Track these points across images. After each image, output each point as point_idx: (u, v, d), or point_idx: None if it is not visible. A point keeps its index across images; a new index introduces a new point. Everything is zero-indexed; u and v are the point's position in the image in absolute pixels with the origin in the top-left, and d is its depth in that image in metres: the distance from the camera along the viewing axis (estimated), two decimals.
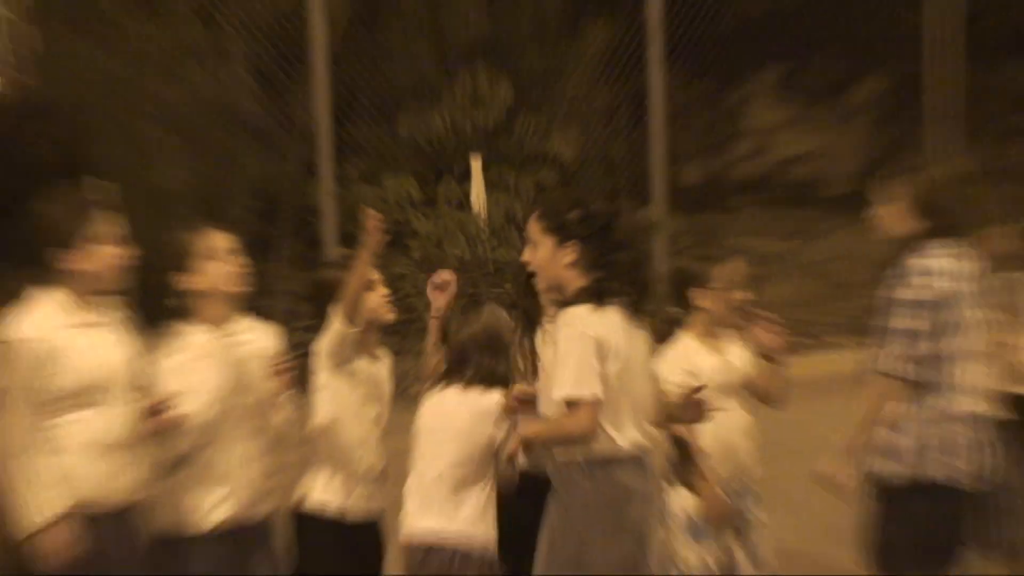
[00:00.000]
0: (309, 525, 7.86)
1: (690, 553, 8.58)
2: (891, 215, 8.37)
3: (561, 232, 7.50)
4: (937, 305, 8.00)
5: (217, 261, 7.62)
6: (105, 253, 7.35)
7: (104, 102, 17.50)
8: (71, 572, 7.08)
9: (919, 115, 22.30)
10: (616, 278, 7.56)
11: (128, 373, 7.39)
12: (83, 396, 7.22)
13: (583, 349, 7.34)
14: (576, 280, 7.50)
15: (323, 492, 7.88)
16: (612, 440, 7.44)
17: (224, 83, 16.36)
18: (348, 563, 7.87)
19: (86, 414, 7.23)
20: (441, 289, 8.37)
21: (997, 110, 25.06)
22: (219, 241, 7.67)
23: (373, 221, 7.51)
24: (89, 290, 7.38)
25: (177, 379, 7.47)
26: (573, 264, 7.50)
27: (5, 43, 12.15)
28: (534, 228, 7.60)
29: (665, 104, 19.40)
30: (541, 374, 7.77)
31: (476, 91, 18.05)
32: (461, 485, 7.76)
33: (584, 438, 7.39)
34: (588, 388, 7.34)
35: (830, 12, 21.80)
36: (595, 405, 7.35)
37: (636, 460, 7.52)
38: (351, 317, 7.55)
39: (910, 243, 8.24)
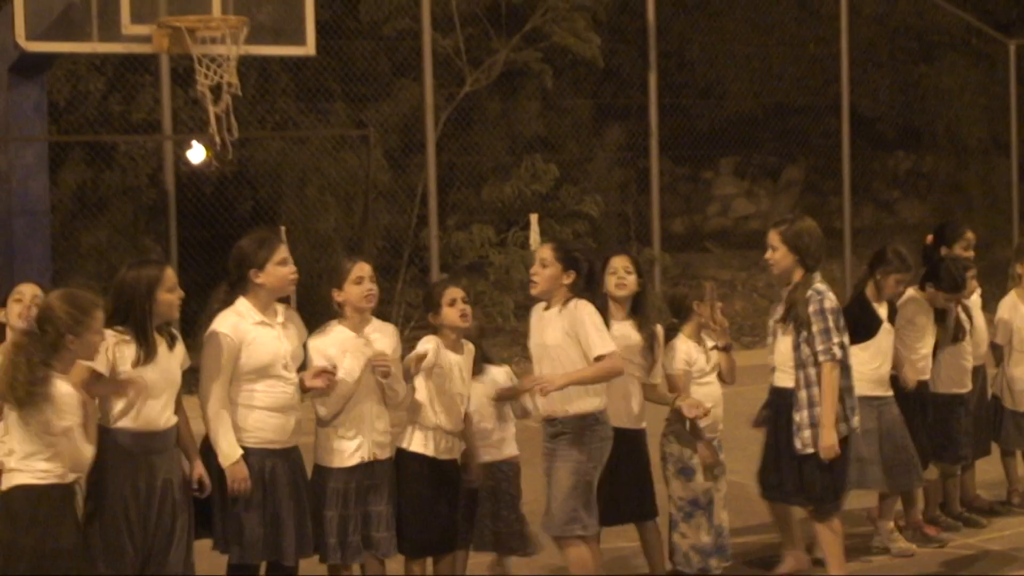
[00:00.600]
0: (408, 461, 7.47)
1: (680, 487, 8.21)
2: (778, 256, 8.02)
3: (567, 262, 7.38)
4: (837, 311, 7.81)
5: (359, 285, 7.23)
6: (280, 273, 7.02)
7: (284, 173, 17.31)
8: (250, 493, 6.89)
9: (829, 188, 22.03)
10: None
11: (292, 358, 7.09)
12: (261, 372, 6.95)
13: (597, 319, 7.35)
14: (566, 293, 7.41)
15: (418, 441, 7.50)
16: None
17: (366, 162, 16.12)
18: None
19: (263, 384, 6.97)
20: None
21: (883, 186, 24.77)
22: (363, 270, 7.27)
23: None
24: (268, 299, 7.06)
25: (331, 361, 7.15)
26: (571, 285, 7.41)
27: (215, 131, 11.74)
28: (547, 253, 7.46)
29: (660, 179, 19.02)
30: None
31: (534, 170, 17.87)
32: None
33: (617, 375, 7.47)
34: (610, 345, 7.36)
35: (769, 120, 21.56)
36: (616, 354, 7.37)
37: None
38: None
39: (793, 274, 7.96)
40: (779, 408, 8.04)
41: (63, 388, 6.30)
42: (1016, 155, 22.18)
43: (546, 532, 7.61)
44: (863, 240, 19.94)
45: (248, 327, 6.96)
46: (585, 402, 7.43)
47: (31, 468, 6.29)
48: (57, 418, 6.27)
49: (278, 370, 6.98)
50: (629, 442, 7.86)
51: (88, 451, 6.42)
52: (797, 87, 21.91)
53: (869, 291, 8.89)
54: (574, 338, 7.34)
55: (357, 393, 7.17)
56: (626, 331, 7.94)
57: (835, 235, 20.66)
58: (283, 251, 7.09)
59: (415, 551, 7.47)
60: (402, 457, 7.45)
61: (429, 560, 7.58)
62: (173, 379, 6.79)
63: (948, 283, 9.17)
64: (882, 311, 8.89)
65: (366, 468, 7.23)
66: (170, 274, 6.79)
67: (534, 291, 7.54)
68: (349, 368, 7.12)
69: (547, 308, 7.51)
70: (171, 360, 6.78)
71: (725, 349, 8.32)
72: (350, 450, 7.19)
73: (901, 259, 8.99)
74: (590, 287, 7.52)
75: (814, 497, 7.98)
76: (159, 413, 6.67)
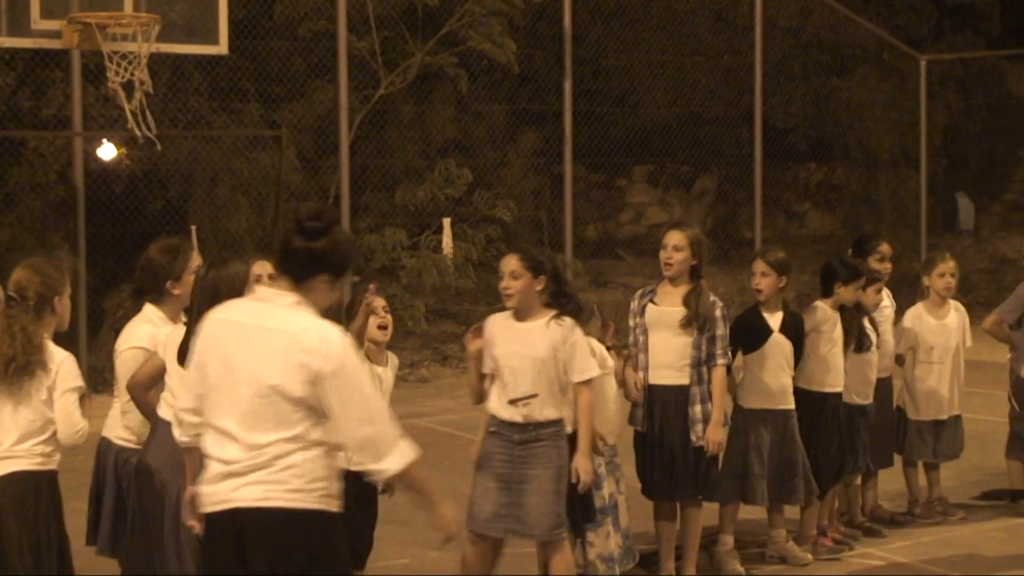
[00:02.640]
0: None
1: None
2: (681, 258, 8.23)
3: (534, 268, 7.28)
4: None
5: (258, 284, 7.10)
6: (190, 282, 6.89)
7: (196, 173, 17.20)
8: None
9: (740, 198, 22.16)
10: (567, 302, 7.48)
11: None
12: None
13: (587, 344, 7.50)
14: (545, 300, 7.36)
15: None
16: None
17: (278, 163, 16.05)
18: None
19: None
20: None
21: (794, 197, 24.96)
22: (264, 269, 7.06)
23: (369, 304, 7.26)
24: (178, 307, 6.96)
25: None
26: (543, 290, 7.32)
27: (134, 126, 11.65)
28: (514, 264, 7.29)
29: (573, 185, 19.03)
30: None
31: (448, 174, 17.87)
32: None
33: None
34: (595, 369, 7.50)
35: (683, 129, 21.70)
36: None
37: None
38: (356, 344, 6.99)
39: (683, 278, 8.26)
40: (665, 404, 8.28)
41: (59, 353, 6.43)
42: (925, 169, 22.47)
43: (530, 537, 7.53)
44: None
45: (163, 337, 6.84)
46: (564, 408, 7.44)
47: (29, 454, 6.29)
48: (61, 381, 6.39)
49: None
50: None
51: (84, 424, 6.41)
52: (711, 97, 22.05)
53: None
54: (556, 355, 7.31)
55: None
56: None
57: (746, 245, 20.86)
58: (197, 258, 7.02)
59: None
60: None
61: None
62: None
63: (845, 272, 9.24)
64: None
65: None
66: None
67: (510, 304, 7.35)
68: None
69: (523, 319, 7.37)
70: None
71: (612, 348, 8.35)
72: None
73: (850, 267, 9.20)
74: (559, 287, 7.46)
75: (708, 487, 8.43)
76: None
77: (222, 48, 12.60)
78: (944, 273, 10.13)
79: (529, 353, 7.33)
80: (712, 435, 8.23)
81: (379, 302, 7.40)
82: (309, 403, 4.90)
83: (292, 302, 4.97)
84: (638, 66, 21.39)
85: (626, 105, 21.44)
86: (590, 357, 7.41)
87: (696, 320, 8.19)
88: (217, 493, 5.01)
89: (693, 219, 21.81)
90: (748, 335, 8.80)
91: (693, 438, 8.25)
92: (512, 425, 7.38)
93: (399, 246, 17.38)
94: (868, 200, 23.50)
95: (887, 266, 9.88)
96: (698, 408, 8.26)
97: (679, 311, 8.23)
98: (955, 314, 10.23)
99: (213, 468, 5.04)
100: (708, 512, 8.65)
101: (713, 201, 24.31)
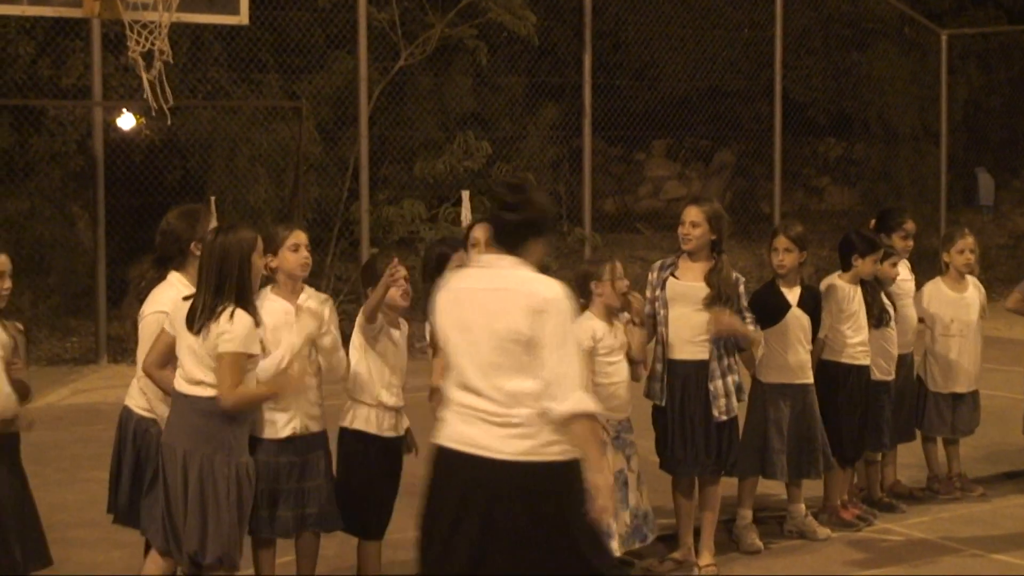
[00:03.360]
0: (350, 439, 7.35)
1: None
2: (698, 233, 8.20)
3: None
4: None
5: (296, 253, 7.15)
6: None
7: (215, 143, 17.16)
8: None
9: (759, 173, 22.11)
10: None
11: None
12: None
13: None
14: None
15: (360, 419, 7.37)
16: None
17: (298, 134, 16.02)
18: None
19: None
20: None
21: (813, 172, 24.87)
22: (300, 238, 7.19)
23: (392, 273, 7.18)
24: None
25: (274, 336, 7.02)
26: None
27: (151, 97, 11.61)
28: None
29: (592, 159, 19.02)
30: None
31: (467, 147, 17.84)
32: None
33: None
34: None
35: (702, 103, 21.63)
36: None
37: None
38: (371, 317, 7.19)
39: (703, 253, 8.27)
40: (686, 379, 8.22)
41: None
42: (945, 144, 22.38)
43: None
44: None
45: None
46: None
47: None
48: None
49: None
50: None
51: (6, 390, 6.45)
52: (731, 71, 21.96)
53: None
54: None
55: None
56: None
57: (764, 219, 20.80)
58: (212, 221, 7.03)
59: (362, 531, 7.40)
60: (345, 436, 7.35)
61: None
62: None
63: (863, 246, 9.21)
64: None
65: (299, 442, 7.13)
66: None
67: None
68: (289, 344, 6.99)
69: None
70: None
71: (636, 323, 8.16)
72: (282, 422, 7.08)
73: (867, 240, 9.18)
74: None
75: (726, 463, 8.36)
76: None
77: (243, 18, 12.56)
78: (964, 249, 10.08)
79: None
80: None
81: (401, 271, 7.41)
82: (533, 343, 5.44)
83: (512, 263, 5.63)
84: (657, 39, 21.32)
85: (645, 78, 21.37)
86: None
87: (720, 299, 8.16)
88: (464, 434, 5.56)
89: (712, 193, 21.79)
90: (767, 311, 8.76)
91: (716, 413, 8.21)
92: None
93: (418, 218, 17.36)
94: (888, 175, 23.42)
95: (909, 244, 9.85)
96: (719, 383, 8.22)
97: (701, 288, 8.20)
98: (973, 289, 10.20)
99: (464, 412, 5.59)
100: (726, 486, 8.62)
101: (732, 175, 24.25)
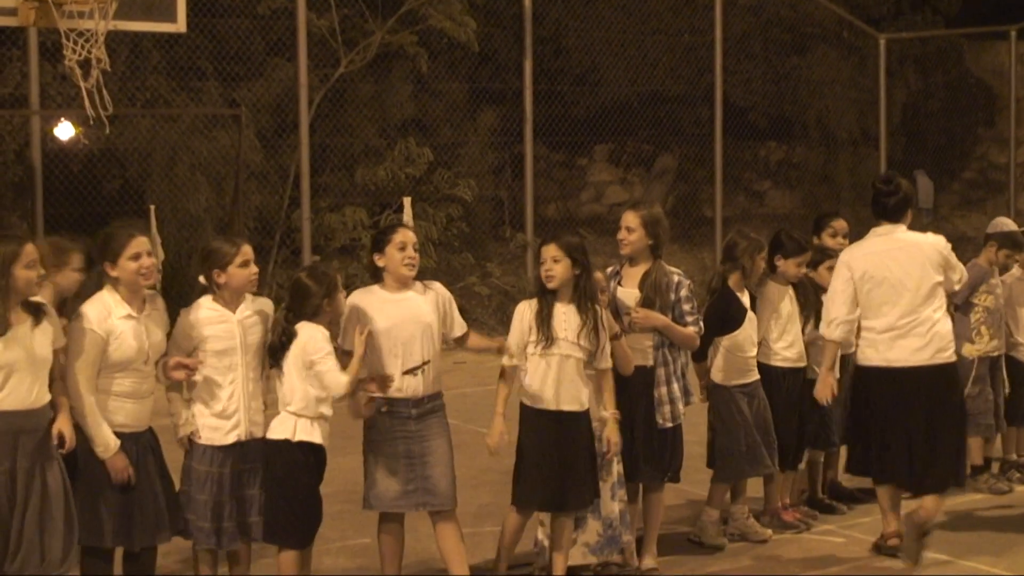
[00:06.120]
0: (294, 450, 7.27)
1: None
2: (634, 238, 8.21)
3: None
4: None
5: (245, 268, 7.17)
6: (130, 268, 6.93)
7: (155, 153, 17.03)
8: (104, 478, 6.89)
9: (701, 177, 22.17)
10: None
11: (154, 350, 7.02)
12: (122, 366, 6.90)
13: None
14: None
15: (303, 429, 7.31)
16: None
17: (238, 142, 15.95)
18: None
19: (122, 375, 6.92)
20: None
21: (754, 176, 24.98)
22: (248, 253, 7.22)
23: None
24: (130, 290, 6.96)
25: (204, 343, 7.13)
26: None
27: (89, 106, 11.48)
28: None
29: (533, 164, 19.03)
30: None
31: (408, 153, 17.86)
32: None
33: None
34: None
35: (643, 108, 21.69)
36: None
37: None
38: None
39: (641, 257, 8.25)
40: (629, 386, 8.18)
41: None
42: (884, 148, 22.57)
43: (445, 508, 7.56)
44: (734, 229, 20.09)
45: (115, 322, 6.86)
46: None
47: None
48: None
49: (138, 364, 6.93)
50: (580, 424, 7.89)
51: None
52: (672, 76, 22.03)
53: (732, 281, 8.95)
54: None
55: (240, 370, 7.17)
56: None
57: (706, 223, 20.90)
58: (137, 245, 6.96)
59: (299, 541, 7.34)
60: (285, 447, 7.23)
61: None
62: (39, 357, 6.59)
63: (790, 247, 9.23)
64: (745, 299, 9.00)
65: (241, 448, 7.15)
66: (29, 250, 6.59)
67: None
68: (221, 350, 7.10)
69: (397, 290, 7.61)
70: (35, 338, 6.58)
71: (615, 338, 8.08)
72: (227, 428, 7.12)
73: (795, 242, 9.19)
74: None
75: (671, 469, 8.37)
76: (27, 391, 6.52)
77: (180, 26, 12.44)
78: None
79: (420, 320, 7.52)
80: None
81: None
82: (942, 284, 8.36)
83: (898, 229, 8.47)
84: (598, 45, 21.38)
85: (586, 84, 21.43)
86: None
87: (651, 304, 8.14)
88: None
89: (654, 198, 21.81)
90: (730, 320, 8.80)
91: (659, 420, 8.21)
92: (407, 401, 7.49)
93: (359, 225, 17.35)
94: (828, 178, 23.58)
95: (841, 242, 9.84)
96: (664, 390, 8.23)
97: (636, 294, 8.22)
98: None
99: (892, 341, 8.36)
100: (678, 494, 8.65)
101: (674, 180, 24.30)
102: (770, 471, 9.07)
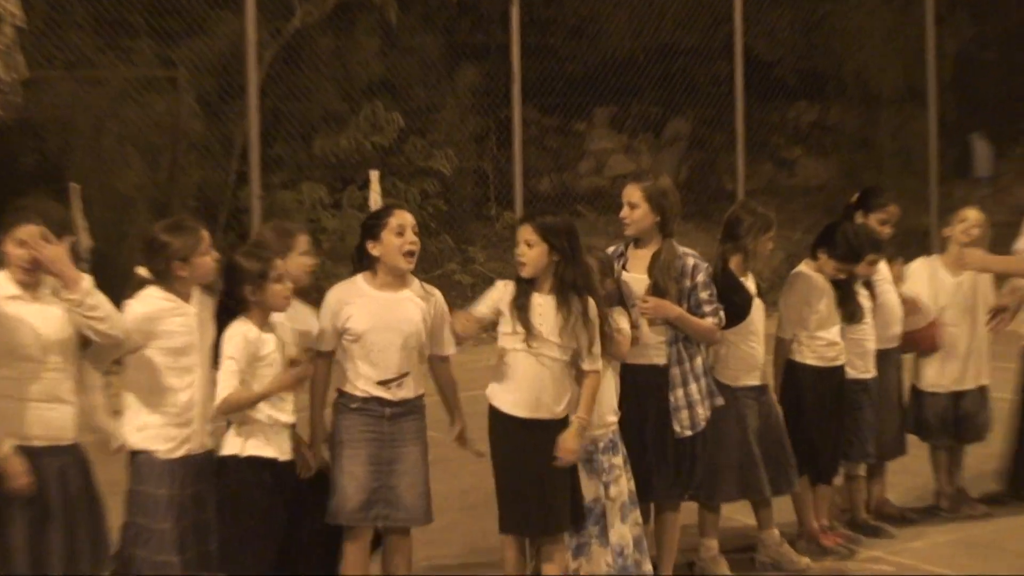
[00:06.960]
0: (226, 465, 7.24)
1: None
2: (637, 215, 8.15)
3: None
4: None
5: (206, 256, 7.15)
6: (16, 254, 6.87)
7: (78, 122, 16.99)
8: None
9: (720, 144, 22.17)
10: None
11: (60, 340, 6.91)
12: (15, 355, 6.82)
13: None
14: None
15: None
16: None
17: (175, 108, 15.92)
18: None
19: (19, 370, 6.81)
20: None
21: (782, 142, 24.98)
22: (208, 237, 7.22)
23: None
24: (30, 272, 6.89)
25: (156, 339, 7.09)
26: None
27: (1, 69, 11.50)
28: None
29: (523, 131, 18.95)
30: None
31: (375, 119, 17.85)
32: None
33: None
34: None
35: (651, 64, 21.66)
36: None
37: None
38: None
39: (649, 237, 8.19)
40: (641, 388, 8.12)
41: None
42: (934, 107, 22.44)
43: (421, 523, 7.57)
44: (759, 203, 20.09)
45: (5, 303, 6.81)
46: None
47: None
48: None
49: (36, 353, 6.80)
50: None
51: None
52: (683, 26, 22.00)
53: (733, 264, 8.85)
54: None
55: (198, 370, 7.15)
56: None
57: (726, 197, 20.84)
58: (23, 231, 6.89)
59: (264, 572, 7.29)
60: (231, 464, 7.21)
61: None
62: None
63: (843, 251, 9.16)
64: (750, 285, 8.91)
65: (196, 463, 7.11)
66: None
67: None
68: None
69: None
70: None
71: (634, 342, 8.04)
72: (181, 438, 7.08)
73: (854, 250, 9.10)
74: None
75: (691, 486, 8.31)
76: None
77: None
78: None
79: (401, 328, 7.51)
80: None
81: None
82: None
83: None
84: None
85: (584, 36, 21.44)
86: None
87: (663, 292, 8.05)
88: None
89: (663, 169, 21.79)
90: (736, 308, 8.69)
91: (677, 427, 8.10)
92: (380, 399, 7.46)
93: (319, 204, 17.38)
94: (867, 144, 23.56)
95: (888, 230, 9.79)
96: (680, 392, 8.10)
97: (646, 280, 8.11)
98: (973, 273, 10.19)
99: None
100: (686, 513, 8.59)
101: (688, 147, 24.34)
102: (763, 496, 8.94)
